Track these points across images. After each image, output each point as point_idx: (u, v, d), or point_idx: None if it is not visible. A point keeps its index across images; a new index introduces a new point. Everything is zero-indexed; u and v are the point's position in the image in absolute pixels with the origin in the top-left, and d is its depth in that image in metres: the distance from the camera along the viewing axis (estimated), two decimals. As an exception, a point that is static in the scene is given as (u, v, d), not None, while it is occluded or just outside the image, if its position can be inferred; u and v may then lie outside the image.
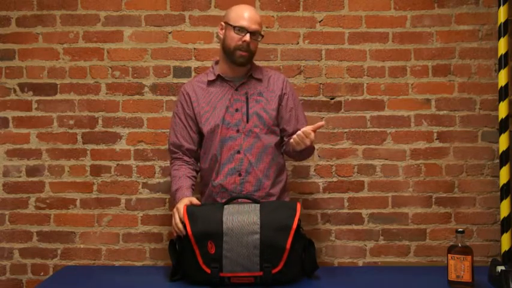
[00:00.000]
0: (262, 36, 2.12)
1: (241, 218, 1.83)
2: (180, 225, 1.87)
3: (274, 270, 1.80)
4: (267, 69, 2.26)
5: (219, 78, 2.16)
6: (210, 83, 2.16)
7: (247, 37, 2.03)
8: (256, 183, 2.09)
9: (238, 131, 2.10)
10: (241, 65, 2.09)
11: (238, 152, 2.10)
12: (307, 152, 2.15)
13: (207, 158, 2.15)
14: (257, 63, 2.28)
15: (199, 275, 1.82)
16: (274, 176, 2.14)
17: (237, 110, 2.11)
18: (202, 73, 2.29)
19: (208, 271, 1.80)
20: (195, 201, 1.97)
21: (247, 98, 2.12)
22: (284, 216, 1.85)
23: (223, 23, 2.12)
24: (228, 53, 2.09)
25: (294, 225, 1.83)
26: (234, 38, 2.05)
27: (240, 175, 2.09)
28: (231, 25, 2.06)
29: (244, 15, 2.05)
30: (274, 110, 2.14)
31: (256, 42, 2.09)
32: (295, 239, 1.83)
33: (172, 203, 2.09)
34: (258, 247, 1.79)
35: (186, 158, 2.16)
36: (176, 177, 2.11)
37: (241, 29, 2.04)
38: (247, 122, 2.10)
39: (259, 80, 2.17)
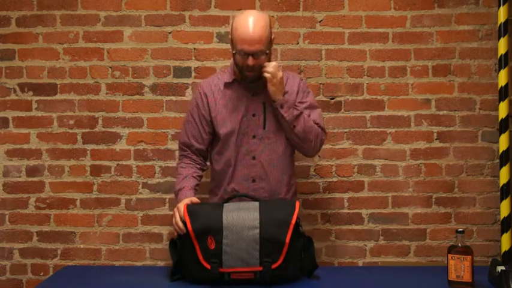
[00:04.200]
0: (267, 53, 1.99)
1: (241, 214, 1.84)
2: (181, 224, 1.87)
3: (274, 266, 1.80)
4: (285, 72, 2.17)
5: (237, 81, 2.10)
6: (228, 85, 2.11)
7: (250, 61, 1.96)
8: (270, 190, 2.09)
9: (254, 136, 2.08)
10: (251, 82, 2.04)
11: (253, 158, 2.08)
12: (305, 135, 2.07)
13: (221, 160, 2.13)
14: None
15: (200, 271, 1.82)
16: (287, 182, 2.14)
17: (254, 116, 2.08)
18: (219, 71, 2.22)
19: (208, 267, 1.80)
20: (195, 200, 1.98)
21: (264, 104, 2.07)
22: (283, 213, 1.86)
23: (230, 37, 2.03)
24: (237, 69, 2.05)
25: (293, 221, 1.84)
26: (239, 59, 1.99)
27: (254, 181, 2.09)
28: (234, 47, 2.00)
29: (244, 37, 1.94)
30: None
31: (262, 59, 1.98)
32: (295, 235, 1.84)
33: (173, 203, 2.09)
34: (257, 241, 1.80)
35: (194, 156, 2.16)
36: (181, 176, 2.10)
37: (243, 53, 1.96)
38: (264, 128, 2.08)
39: None
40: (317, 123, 2.12)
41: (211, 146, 2.18)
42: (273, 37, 2.04)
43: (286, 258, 1.82)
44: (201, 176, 2.16)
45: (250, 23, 1.94)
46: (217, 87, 2.13)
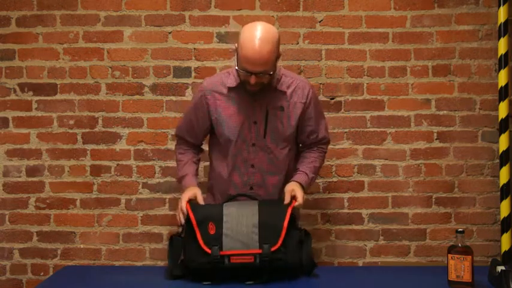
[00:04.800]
0: (271, 74, 1.93)
1: (241, 208, 1.92)
2: (184, 209, 1.92)
3: (273, 248, 1.84)
4: (293, 77, 2.11)
5: (240, 85, 2.04)
6: (231, 89, 2.06)
7: (252, 79, 1.90)
8: (266, 197, 2.08)
9: (254, 144, 2.06)
10: (253, 94, 2.01)
11: (252, 166, 2.07)
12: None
13: (220, 163, 2.12)
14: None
15: (200, 257, 1.84)
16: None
17: (255, 123, 2.04)
18: (224, 72, 2.14)
19: (209, 251, 1.83)
20: (199, 196, 2.01)
21: (267, 112, 2.04)
22: (280, 206, 1.93)
23: (235, 47, 1.96)
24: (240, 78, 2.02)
25: (289, 210, 1.90)
26: (241, 74, 1.95)
27: (251, 188, 2.09)
28: (238, 61, 1.93)
29: (248, 58, 1.86)
30: (294, 127, 2.07)
31: (265, 78, 1.93)
32: (292, 224, 1.89)
33: (173, 203, 2.08)
34: (256, 226, 1.85)
35: (190, 143, 2.20)
36: (182, 162, 2.15)
37: (246, 71, 1.90)
38: (264, 137, 2.04)
39: (283, 93, 2.06)
40: (324, 139, 2.18)
41: (213, 144, 2.17)
42: (280, 53, 1.97)
43: (284, 241, 1.85)
44: (199, 159, 2.21)
45: (257, 43, 1.85)
46: (220, 90, 2.07)
